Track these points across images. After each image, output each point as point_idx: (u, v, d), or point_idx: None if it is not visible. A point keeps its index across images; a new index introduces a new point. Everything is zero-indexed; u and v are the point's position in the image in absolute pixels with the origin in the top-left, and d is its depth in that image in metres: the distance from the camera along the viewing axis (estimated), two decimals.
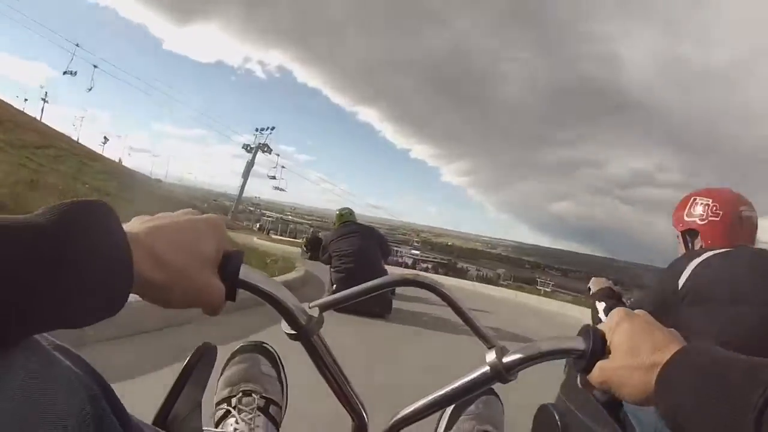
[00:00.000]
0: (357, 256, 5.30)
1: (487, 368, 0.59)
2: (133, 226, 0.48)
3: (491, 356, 0.59)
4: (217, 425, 0.84)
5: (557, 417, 0.78)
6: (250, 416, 0.83)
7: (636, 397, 0.53)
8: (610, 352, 0.56)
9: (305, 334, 0.57)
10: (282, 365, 0.93)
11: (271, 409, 0.87)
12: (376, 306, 4.94)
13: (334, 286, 5.35)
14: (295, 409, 1.00)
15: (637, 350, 0.53)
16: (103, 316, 0.41)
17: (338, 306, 0.77)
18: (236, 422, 0.82)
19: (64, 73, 48.52)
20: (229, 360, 0.91)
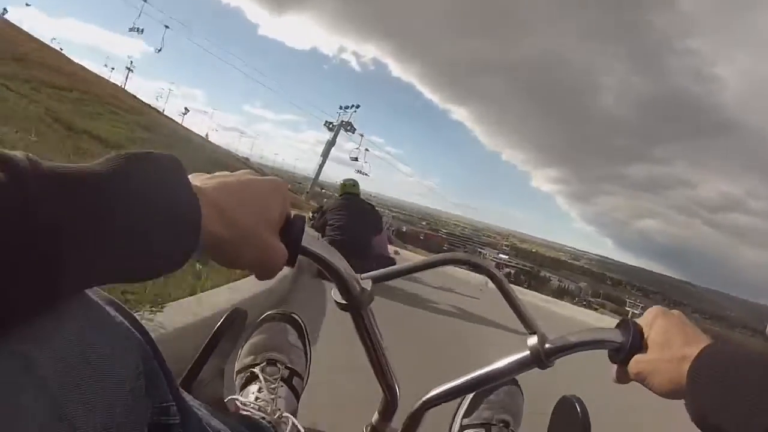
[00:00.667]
0: (344, 230, 5.35)
1: (527, 353, 0.60)
2: (200, 179, 0.46)
3: (533, 341, 0.60)
4: (239, 391, 0.84)
5: (579, 410, 0.72)
6: (273, 386, 0.83)
7: (665, 389, 0.54)
8: (646, 347, 0.57)
9: (357, 305, 0.58)
10: (309, 337, 0.92)
11: (294, 381, 0.87)
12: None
13: None
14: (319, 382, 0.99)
15: (670, 344, 0.55)
16: (168, 270, 0.40)
17: (391, 279, 0.77)
18: (259, 390, 0.82)
19: (131, 29, 44.32)
20: (255, 327, 0.91)
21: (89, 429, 0.33)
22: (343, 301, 0.57)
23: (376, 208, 6.24)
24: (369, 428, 0.72)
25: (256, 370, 0.85)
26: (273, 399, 0.81)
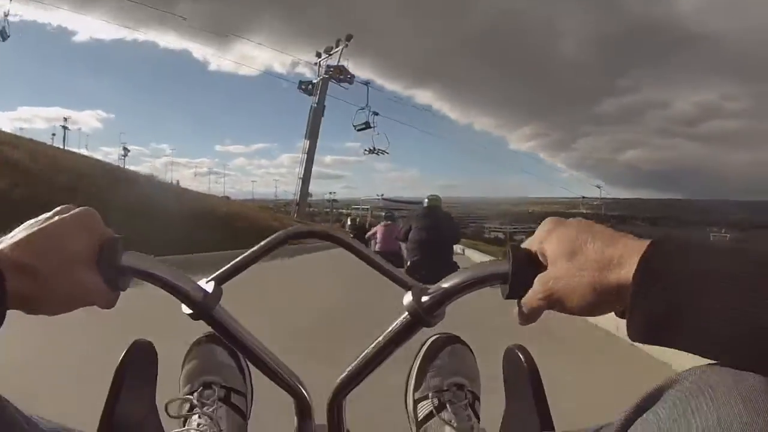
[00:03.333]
0: (427, 236, 6.15)
1: (406, 313, 0.53)
2: (2, 240, 0.48)
3: (407, 298, 0.53)
4: (183, 423, 0.82)
5: (523, 358, 0.74)
6: (212, 408, 0.81)
7: (588, 306, 0.45)
8: (546, 265, 0.48)
9: (204, 311, 0.55)
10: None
11: (234, 398, 0.84)
12: (443, 274, 5.35)
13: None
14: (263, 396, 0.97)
15: (581, 251, 0.45)
16: None
17: (234, 275, 0.73)
18: (199, 417, 0.80)
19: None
20: (186, 356, 0.89)
21: None
22: (190, 311, 0.55)
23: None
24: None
25: (193, 397, 0.83)
26: (213, 421, 0.79)
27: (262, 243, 0.75)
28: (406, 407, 0.85)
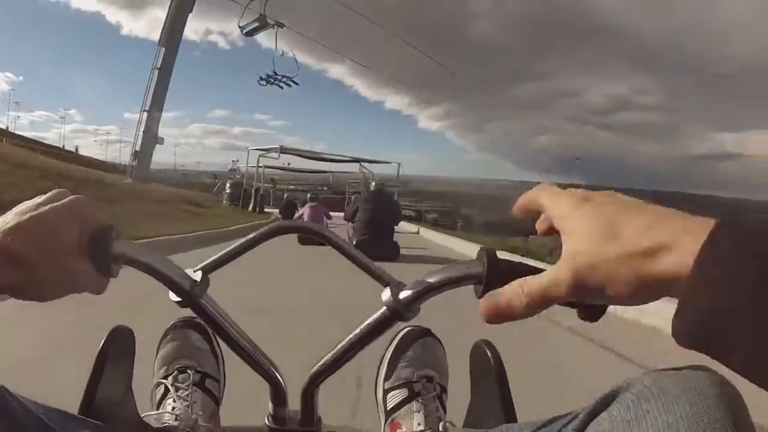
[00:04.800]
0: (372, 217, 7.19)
1: (384, 308, 0.56)
2: None
3: (386, 294, 0.56)
4: (157, 406, 0.82)
5: (490, 354, 0.77)
6: (187, 392, 0.81)
7: (630, 298, 0.38)
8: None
9: (191, 299, 0.57)
10: (215, 338, 0.90)
11: (208, 383, 0.85)
12: (386, 251, 6.44)
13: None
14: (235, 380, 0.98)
15: (621, 232, 0.38)
16: None
17: (222, 266, 0.75)
18: (174, 401, 0.80)
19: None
20: (161, 340, 0.88)
21: None
22: (179, 299, 0.57)
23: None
24: (269, 418, 0.72)
25: (167, 381, 0.82)
26: (188, 406, 0.79)
27: (251, 235, 0.78)
28: (376, 396, 0.89)
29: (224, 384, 0.90)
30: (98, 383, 0.68)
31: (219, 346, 0.90)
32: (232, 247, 0.77)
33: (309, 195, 11.80)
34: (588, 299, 0.41)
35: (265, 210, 21.67)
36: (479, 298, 0.46)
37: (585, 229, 0.40)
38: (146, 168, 23.90)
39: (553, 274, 0.40)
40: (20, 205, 0.51)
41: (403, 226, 12.97)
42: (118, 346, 0.73)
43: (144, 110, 23.51)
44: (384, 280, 0.71)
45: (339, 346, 0.60)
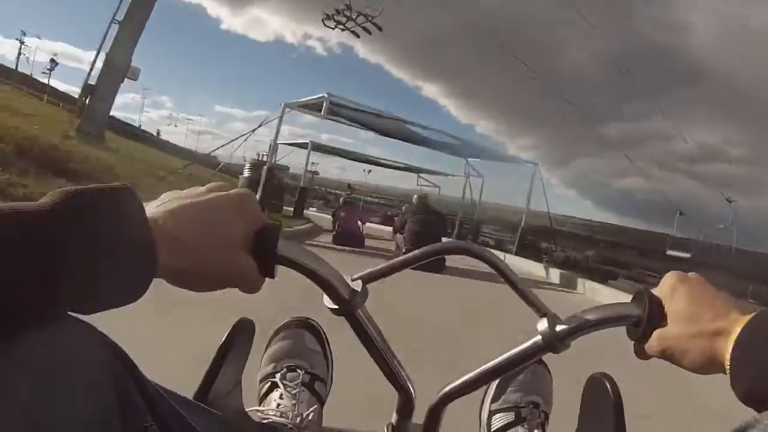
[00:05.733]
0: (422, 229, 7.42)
1: (539, 338, 0.55)
2: (156, 209, 0.46)
3: (543, 325, 0.55)
4: (261, 401, 0.83)
5: (609, 388, 0.73)
6: (295, 391, 0.82)
7: (699, 365, 0.50)
8: (667, 320, 0.52)
9: (349, 309, 0.55)
10: (327, 341, 0.91)
11: (316, 385, 0.86)
12: (433, 263, 6.19)
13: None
14: (341, 385, 0.98)
15: (697, 317, 0.50)
16: (124, 302, 0.40)
17: (383, 277, 0.73)
18: (280, 397, 0.82)
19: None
20: (273, 336, 0.90)
21: None
22: (335, 306, 0.55)
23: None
24: (390, 428, 0.71)
25: (276, 378, 0.84)
26: (294, 404, 0.80)
27: (416, 252, 0.75)
28: (480, 416, 0.88)
29: (330, 386, 0.91)
30: (217, 373, 0.70)
31: (330, 349, 0.91)
32: (395, 260, 0.74)
33: (342, 198, 10.94)
34: (669, 361, 0.52)
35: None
36: (633, 339, 0.55)
37: (676, 308, 0.52)
38: (103, 116, 13.12)
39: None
40: (173, 191, 0.49)
41: (516, 263, 8.98)
42: (240, 339, 0.75)
43: (114, 22, 12.57)
44: (541, 310, 0.70)
45: (481, 368, 0.58)
